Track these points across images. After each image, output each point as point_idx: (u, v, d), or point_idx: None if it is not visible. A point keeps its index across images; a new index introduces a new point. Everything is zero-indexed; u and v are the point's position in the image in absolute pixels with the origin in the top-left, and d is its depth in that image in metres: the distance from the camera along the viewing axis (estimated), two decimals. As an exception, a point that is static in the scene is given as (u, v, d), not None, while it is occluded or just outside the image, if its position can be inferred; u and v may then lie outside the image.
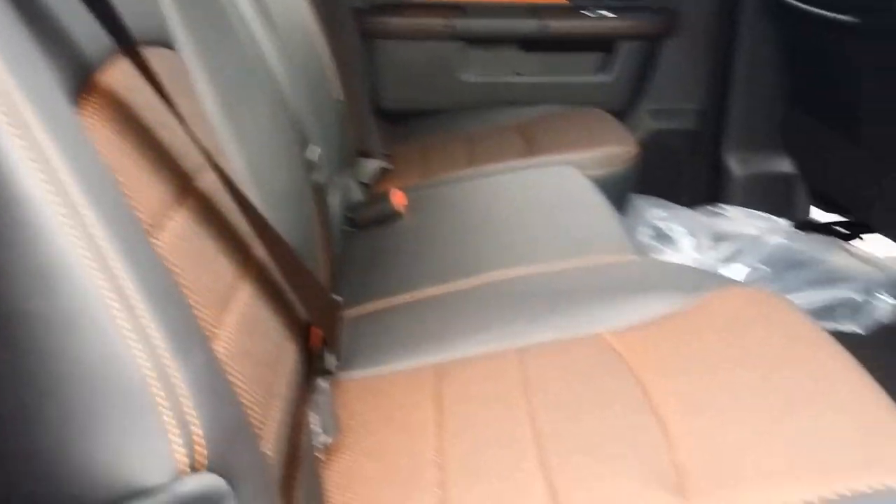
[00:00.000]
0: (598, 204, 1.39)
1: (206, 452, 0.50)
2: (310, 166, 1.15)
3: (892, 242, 1.77)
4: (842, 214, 2.10)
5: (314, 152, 1.18)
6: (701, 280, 1.06)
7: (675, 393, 0.83)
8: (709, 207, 2.13)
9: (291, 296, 0.89)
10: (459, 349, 1.02)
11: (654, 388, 0.85)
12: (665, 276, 1.12)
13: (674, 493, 0.70)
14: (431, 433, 0.85)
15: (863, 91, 1.63)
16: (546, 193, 1.48)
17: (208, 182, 0.76)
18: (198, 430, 0.50)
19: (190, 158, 0.74)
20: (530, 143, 1.88)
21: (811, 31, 1.80)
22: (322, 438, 0.84)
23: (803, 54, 1.89)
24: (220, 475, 0.52)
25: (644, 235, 1.86)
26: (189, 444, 0.50)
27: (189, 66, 0.87)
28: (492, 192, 1.56)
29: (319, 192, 1.18)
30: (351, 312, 1.19)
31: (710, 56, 2.15)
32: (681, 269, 1.19)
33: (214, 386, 0.56)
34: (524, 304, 1.11)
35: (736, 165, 2.16)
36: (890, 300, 1.69)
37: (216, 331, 0.67)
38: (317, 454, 0.83)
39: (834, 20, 1.65)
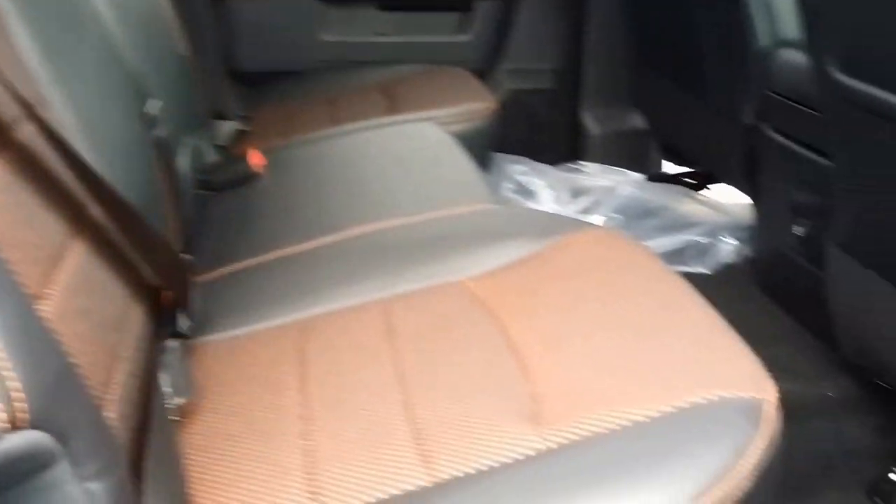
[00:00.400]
0: (459, 157, 1.39)
1: (27, 408, 0.47)
2: (151, 121, 1.09)
3: (735, 190, 1.88)
4: (690, 166, 2.22)
5: (155, 106, 1.12)
6: (556, 224, 1.09)
7: (533, 331, 0.85)
8: (569, 164, 2.20)
9: (135, 256, 0.84)
10: (323, 305, 1.01)
11: (513, 329, 0.87)
12: (523, 221, 1.14)
13: (530, 421, 0.71)
14: (295, 387, 0.84)
15: (704, 49, 1.71)
16: (407, 149, 1.48)
17: (29, 133, 0.70)
18: (16, 385, 0.47)
19: (6, 108, 0.68)
20: (392, 102, 1.87)
21: None
22: (175, 400, 0.80)
23: (651, 14, 1.97)
24: (47, 432, 0.48)
25: (506, 190, 1.90)
26: (6, 399, 0.46)
27: (3, 10, 0.80)
28: (353, 150, 1.54)
29: (163, 149, 1.12)
30: (210, 275, 1.15)
31: (564, 16, 2.20)
32: (538, 214, 1.22)
33: (34, 340, 0.52)
34: (387, 256, 1.11)
35: (592, 123, 2.23)
36: (732, 241, 1.80)
37: (44, 289, 0.62)
38: (173, 417, 0.80)
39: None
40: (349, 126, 1.70)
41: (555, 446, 0.68)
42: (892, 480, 1.25)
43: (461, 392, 0.78)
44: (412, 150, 1.46)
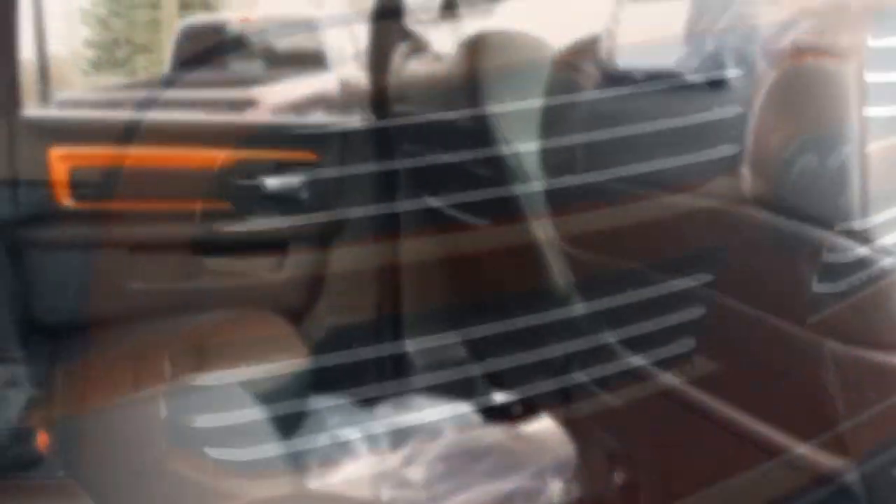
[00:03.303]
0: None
1: None
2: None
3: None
4: (517, 394, 2.21)
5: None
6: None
7: None
8: (395, 398, 2.14)
9: None
10: None
11: None
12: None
13: None
14: None
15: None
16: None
17: None
18: None
19: None
20: (202, 357, 1.79)
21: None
22: None
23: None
24: None
25: (323, 444, 1.80)
26: None
27: None
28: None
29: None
30: None
31: (381, 252, 2.23)
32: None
33: None
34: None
35: (416, 356, 2.22)
36: (558, 483, 1.77)
37: None
38: None
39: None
40: (148, 391, 1.59)
41: None
42: None
43: None
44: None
